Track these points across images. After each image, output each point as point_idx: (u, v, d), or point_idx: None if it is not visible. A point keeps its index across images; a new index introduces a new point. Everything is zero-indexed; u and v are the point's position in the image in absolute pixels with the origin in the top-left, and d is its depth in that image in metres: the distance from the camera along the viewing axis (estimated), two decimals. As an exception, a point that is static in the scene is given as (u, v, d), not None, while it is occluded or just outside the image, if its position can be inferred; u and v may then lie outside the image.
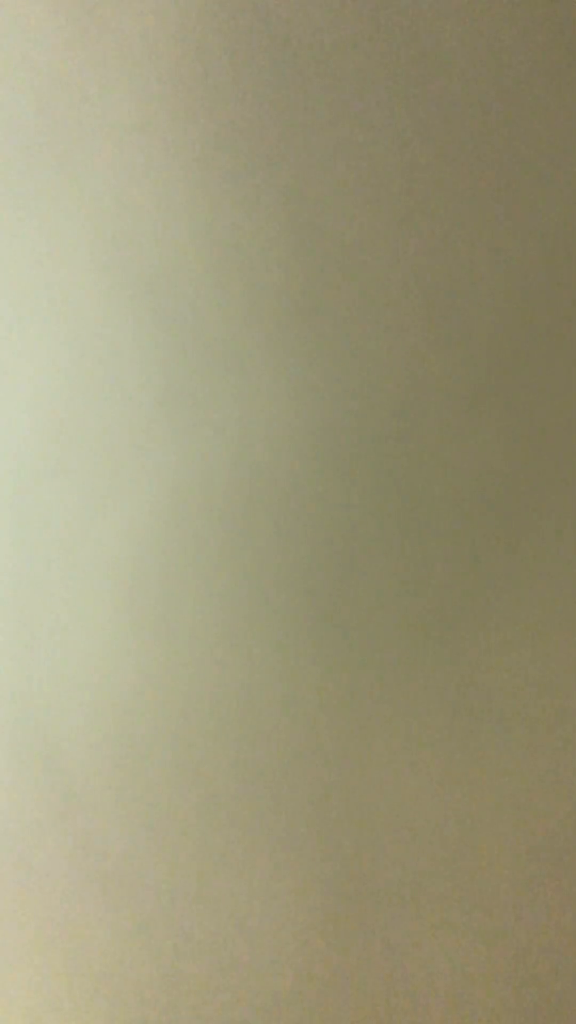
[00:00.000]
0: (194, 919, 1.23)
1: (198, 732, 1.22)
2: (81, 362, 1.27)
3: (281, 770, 1.18)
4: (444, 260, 1.10)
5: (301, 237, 1.16)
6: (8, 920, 1.33)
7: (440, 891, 1.11)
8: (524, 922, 1.08)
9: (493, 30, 1.08)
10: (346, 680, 1.15)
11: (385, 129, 1.12)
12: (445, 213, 1.10)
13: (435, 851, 1.12)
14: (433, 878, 1.12)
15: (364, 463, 1.14)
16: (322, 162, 1.15)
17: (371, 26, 1.13)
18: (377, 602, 1.13)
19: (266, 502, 1.18)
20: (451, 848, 1.11)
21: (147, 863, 1.25)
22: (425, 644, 1.12)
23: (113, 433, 1.26)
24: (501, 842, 1.09)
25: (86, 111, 1.26)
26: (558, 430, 1.07)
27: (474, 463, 1.10)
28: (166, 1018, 1.25)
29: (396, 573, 1.13)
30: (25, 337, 1.31)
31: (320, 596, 1.16)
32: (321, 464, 1.16)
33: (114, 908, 1.27)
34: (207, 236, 1.20)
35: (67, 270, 1.28)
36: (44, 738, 1.29)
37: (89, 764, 1.27)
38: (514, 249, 1.08)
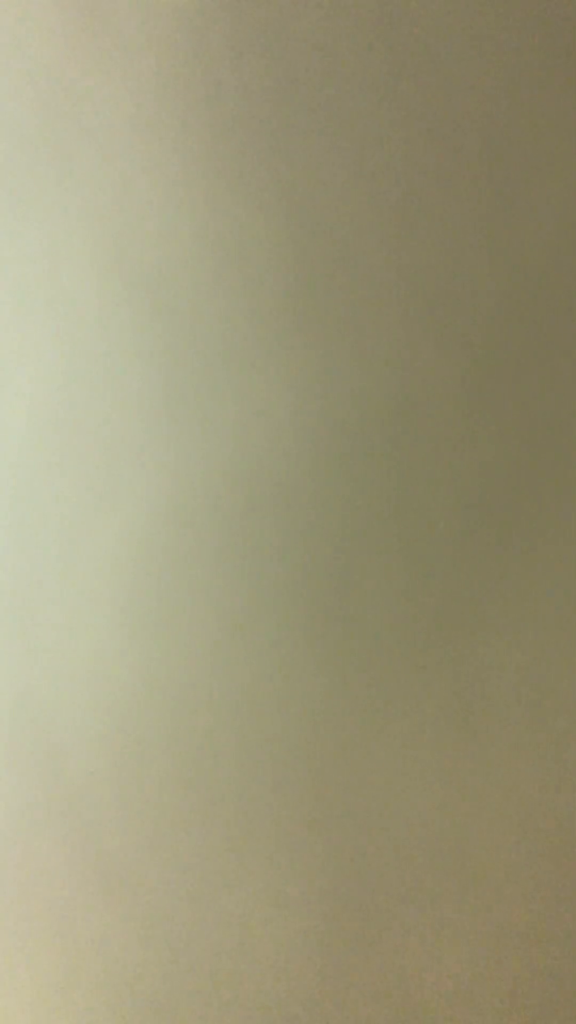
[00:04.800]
0: (194, 919, 1.23)
1: (198, 732, 1.22)
2: (80, 361, 1.27)
3: (281, 770, 1.18)
4: (444, 259, 1.10)
5: (301, 236, 1.16)
6: (8, 919, 1.33)
7: (440, 891, 1.12)
8: (524, 921, 1.08)
9: (493, 28, 1.08)
10: (346, 680, 1.15)
11: (385, 127, 1.12)
12: (445, 211, 1.10)
13: (435, 851, 1.12)
14: (433, 878, 1.12)
15: (364, 462, 1.14)
16: (322, 161, 1.15)
17: (371, 24, 1.13)
18: (377, 602, 1.13)
19: (266, 501, 1.18)
20: (451, 848, 1.11)
21: (147, 863, 1.25)
22: (425, 644, 1.12)
23: (112, 432, 1.26)
24: (501, 842, 1.09)
25: (86, 111, 1.26)
26: (558, 430, 1.07)
27: (474, 462, 1.10)
28: (166, 1018, 1.25)
29: (396, 572, 1.13)
30: (25, 336, 1.31)
31: (320, 595, 1.16)
32: (321, 463, 1.16)
33: (114, 908, 1.27)
34: (207, 235, 1.20)
35: (67, 270, 1.28)
36: (44, 738, 1.30)
37: (89, 764, 1.27)
38: (514, 248, 1.08)
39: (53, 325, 1.29)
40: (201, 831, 1.22)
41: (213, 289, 1.20)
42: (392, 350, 1.12)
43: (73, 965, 1.29)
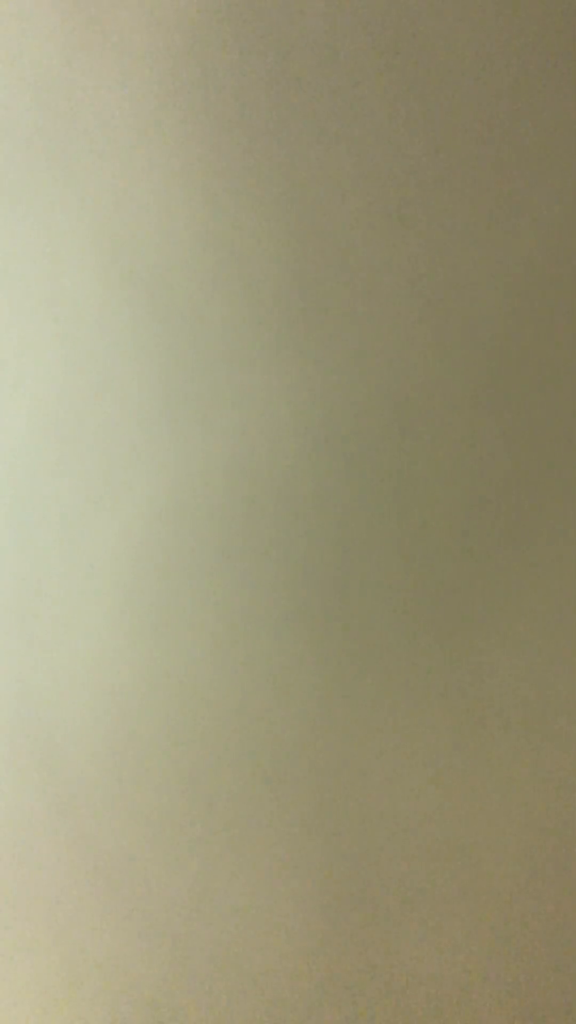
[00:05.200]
0: (194, 919, 1.23)
1: (197, 731, 1.22)
2: (80, 361, 1.27)
3: (280, 769, 1.18)
4: (444, 260, 1.10)
5: (301, 237, 1.16)
6: (8, 919, 1.33)
7: (440, 891, 1.12)
8: (524, 922, 1.08)
9: (493, 28, 1.08)
10: (346, 680, 1.15)
11: (385, 129, 1.12)
12: (445, 213, 1.10)
13: (435, 851, 1.12)
14: (433, 878, 1.12)
15: (363, 463, 1.14)
16: (322, 162, 1.15)
17: (371, 24, 1.13)
18: (376, 602, 1.14)
19: (265, 502, 1.18)
20: (451, 848, 1.11)
21: (147, 863, 1.25)
22: (425, 644, 1.12)
23: (112, 433, 1.26)
24: (501, 842, 1.09)
25: (86, 111, 1.26)
26: (558, 430, 1.07)
27: (474, 462, 1.10)
28: (166, 1018, 1.25)
29: (396, 573, 1.13)
30: (24, 336, 1.31)
31: (319, 595, 1.16)
32: (321, 464, 1.16)
33: (113, 908, 1.27)
34: (207, 236, 1.20)
35: (67, 270, 1.28)
36: (44, 738, 1.30)
37: (89, 764, 1.27)
38: (514, 248, 1.08)
39: (53, 325, 1.29)
40: (201, 831, 1.22)
41: (213, 289, 1.20)
42: (392, 351, 1.12)
43: (73, 965, 1.29)
